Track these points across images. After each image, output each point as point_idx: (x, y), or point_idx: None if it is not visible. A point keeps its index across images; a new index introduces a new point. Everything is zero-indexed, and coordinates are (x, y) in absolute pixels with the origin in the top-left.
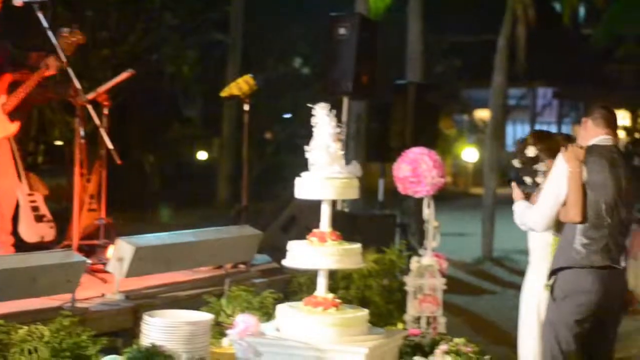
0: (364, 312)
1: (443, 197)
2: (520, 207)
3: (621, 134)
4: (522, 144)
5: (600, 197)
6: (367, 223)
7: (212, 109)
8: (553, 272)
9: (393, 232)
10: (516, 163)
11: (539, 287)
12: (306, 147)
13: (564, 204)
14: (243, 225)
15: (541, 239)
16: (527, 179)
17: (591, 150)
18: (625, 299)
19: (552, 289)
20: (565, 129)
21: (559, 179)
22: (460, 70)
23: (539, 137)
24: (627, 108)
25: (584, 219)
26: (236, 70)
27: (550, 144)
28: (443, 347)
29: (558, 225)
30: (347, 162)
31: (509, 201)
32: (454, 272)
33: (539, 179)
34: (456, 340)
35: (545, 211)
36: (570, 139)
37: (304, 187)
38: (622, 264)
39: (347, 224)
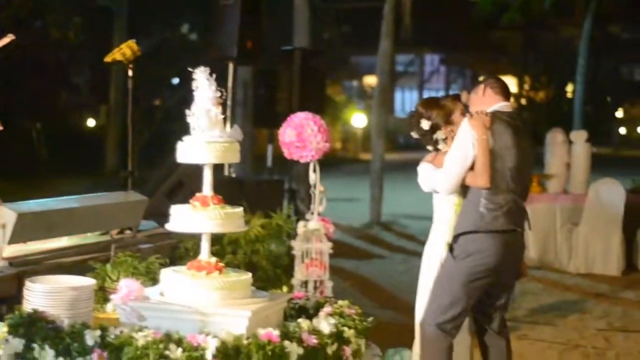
0: (248, 276)
1: (333, 163)
2: (426, 170)
3: None
4: (414, 117)
5: (505, 163)
6: (254, 188)
7: (100, 76)
8: (457, 236)
9: (281, 197)
10: (415, 135)
11: (443, 247)
12: (187, 112)
13: (471, 168)
14: (129, 191)
15: (447, 200)
16: (430, 148)
17: (494, 117)
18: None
19: (451, 248)
20: None
21: (466, 144)
22: (349, 37)
23: (429, 106)
24: (514, 74)
25: (492, 185)
26: (122, 36)
27: (441, 110)
28: (327, 309)
29: (462, 189)
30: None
31: (397, 166)
32: (342, 237)
33: (440, 146)
34: (340, 302)
35: (452, 175)
36: (458, 98)
37: (185, 152)
38: (526, 227)
39: (233, 190)
